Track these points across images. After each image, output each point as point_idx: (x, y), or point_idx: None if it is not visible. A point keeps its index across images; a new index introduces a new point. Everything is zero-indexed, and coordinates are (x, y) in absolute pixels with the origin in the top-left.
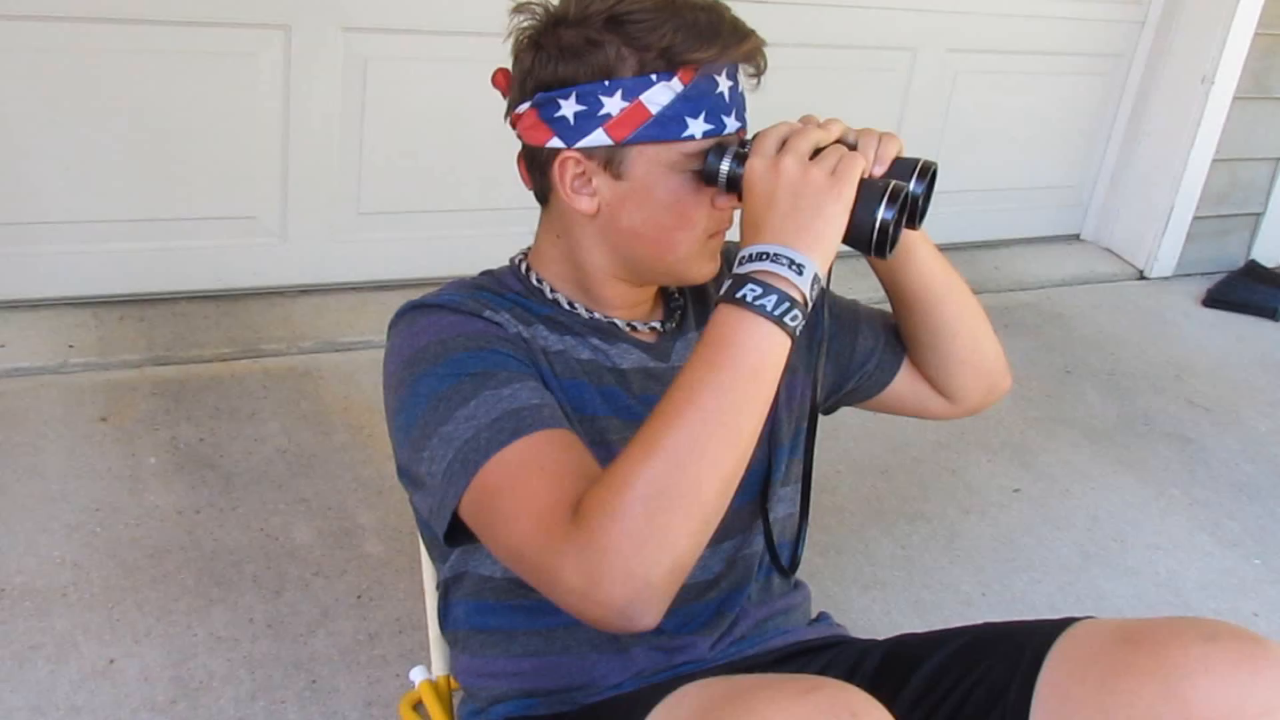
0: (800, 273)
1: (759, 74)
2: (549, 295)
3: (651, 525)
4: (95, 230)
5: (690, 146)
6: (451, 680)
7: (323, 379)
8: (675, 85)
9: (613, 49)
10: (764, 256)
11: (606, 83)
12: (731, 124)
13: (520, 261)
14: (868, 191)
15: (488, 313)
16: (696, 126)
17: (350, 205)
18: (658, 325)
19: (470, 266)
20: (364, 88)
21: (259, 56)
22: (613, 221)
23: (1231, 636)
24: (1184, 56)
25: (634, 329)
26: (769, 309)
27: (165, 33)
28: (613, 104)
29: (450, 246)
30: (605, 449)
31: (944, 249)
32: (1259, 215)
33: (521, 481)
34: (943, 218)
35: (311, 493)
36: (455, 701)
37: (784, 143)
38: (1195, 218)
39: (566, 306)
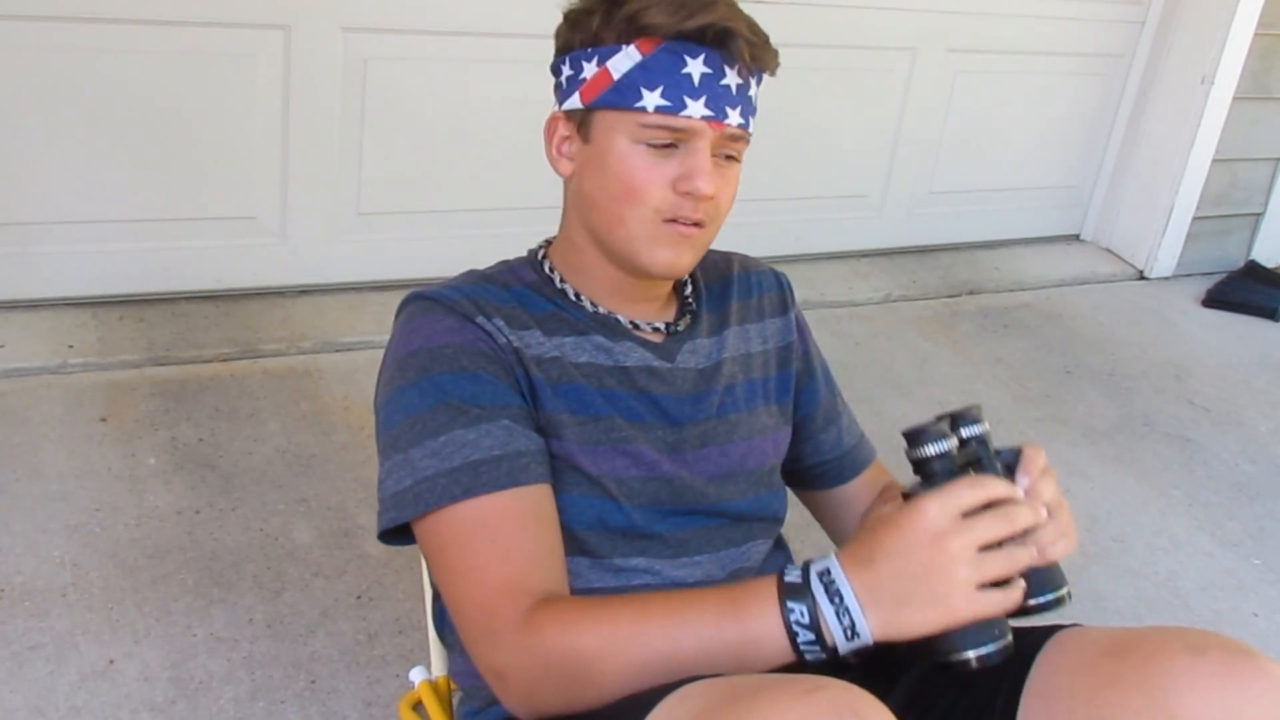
0: (850, 639)
1: (735, 63)
2: (558, 285)
3: (568, 683)
4: (95, 230)
5: (645, 118)
6: (451, 681)
7: (322, 379)
8: (634, 54)
9: (600, 18)
10: (838, 598)
11: (589, 49)
12: (695, 109)
13: (541, 249)
14: (983, 627)
15: (480, 318)
16: (650, 99)
17: (350, 205)
18: (663, 326)
19: (469, 267)
20: (364, 88)
21: (259, 56)
22: (580, 186)
23: (1219, 648)
24: (1184, 56)
25: (637, 328)
26: (799, 639)
27: (165, 33)
28: (589, 69)
29: (450, 246)
30: (611, 447)
31: (944, 249)
32: (1259, 215)
33: (470, 547)
34: (943, 218)
35: (311, 493)
36: (454, 702)
37: (976, 517)
38: (1195, 218)
39: (573, 298)
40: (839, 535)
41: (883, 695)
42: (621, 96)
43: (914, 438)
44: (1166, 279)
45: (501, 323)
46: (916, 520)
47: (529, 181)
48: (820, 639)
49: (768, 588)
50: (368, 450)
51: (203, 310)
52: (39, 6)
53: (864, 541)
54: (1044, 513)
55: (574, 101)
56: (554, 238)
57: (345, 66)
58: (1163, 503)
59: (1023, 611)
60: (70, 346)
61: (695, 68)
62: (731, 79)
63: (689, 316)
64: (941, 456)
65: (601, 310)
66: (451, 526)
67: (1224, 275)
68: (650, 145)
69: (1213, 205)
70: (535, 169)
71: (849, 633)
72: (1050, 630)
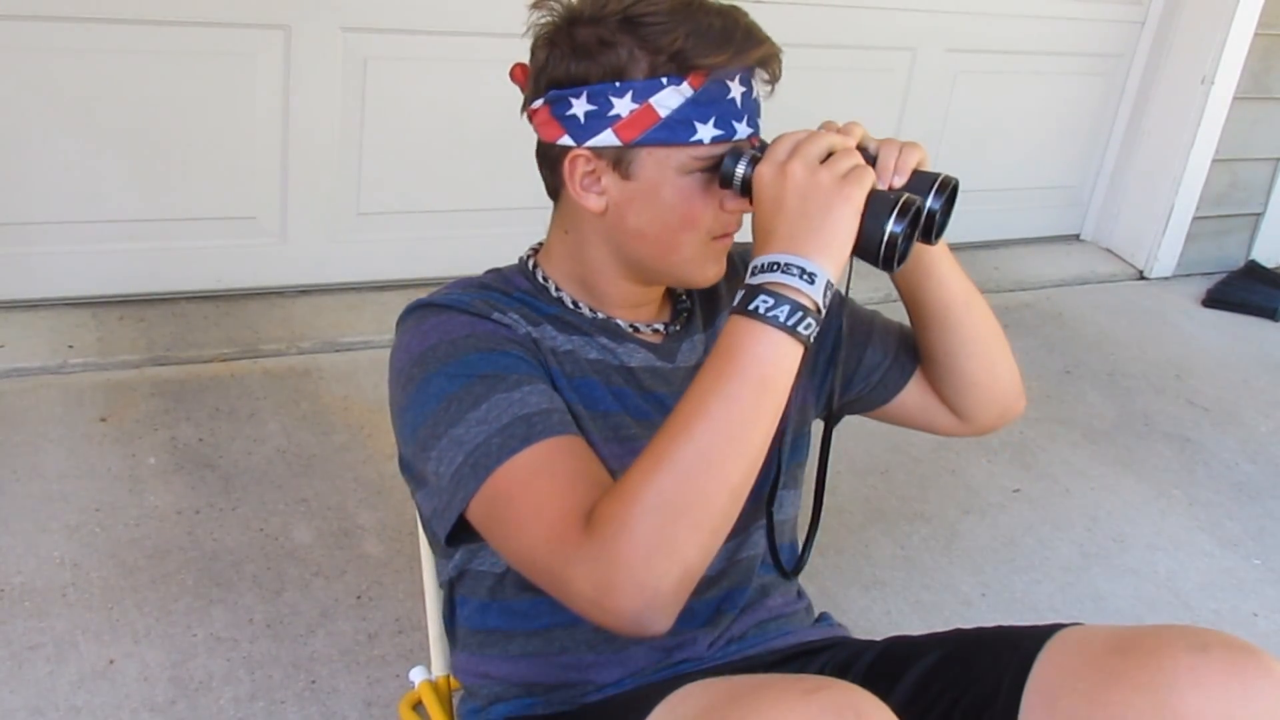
0: (811, 281)
1: (773, 80)
2: (554, 294)
3: (660, 537)
4: (95, 230)
5: (699, 150)
6: (451, 680)
7: (322, 379)
8: (685, 90)
9: (625, 50)
10: (774, 267)
11: (617, 84)
12: (742, 130)
13: (529, 258)
14: (878, 203)
15: (496, 314)
16: (705, 131)
17: (350, 205)
18: (661, 327)
19: (470, 267)
20: (364, 88)
21: (259, 56)
22: (619, 221)
23: (1222, 646)
24: (1184, 56)
25: (637, 330)
26: (781, 319)
27: (165, 33)
28: (622, 105)
29: (450, 247)
30: (621, 444)
31: None
32: (1259, 215)
33: (532, 489)
34: None
35: (311, 493)
36: (455, 701)
37: (795, 148)
38: (1195, 218)
39: (571, 306)
40: (937, 422)
41: (884, 695)
42: (673, 133)
43: (724, 176)
44: (1166, 279)
45: (516, 316)
46: (762, 187)
47: (529, 181)
48: (797, 305)
49: (730, 319)
50: (368, 450)
51: (203, 310)
52: (39, 6)
53: (754, 234)
54: (852, 141)
55: (607, 139)
56: (540, 246)
57: (345, 66)
58: (1162, 503)
59: (929, 226)
60: (70, 346)
61: (736, 90)
62: (758, 91)
63: (684, 314)
64: (755, 162)
65: (601, 316)
66: (508, 481)
67: (1224, 275)
68: (700, 172)
69: (1213, 205)
70: (535, 169)
71: (809, 278)
72: (1052, 629)
